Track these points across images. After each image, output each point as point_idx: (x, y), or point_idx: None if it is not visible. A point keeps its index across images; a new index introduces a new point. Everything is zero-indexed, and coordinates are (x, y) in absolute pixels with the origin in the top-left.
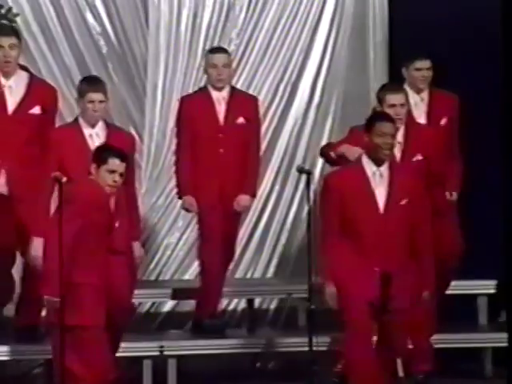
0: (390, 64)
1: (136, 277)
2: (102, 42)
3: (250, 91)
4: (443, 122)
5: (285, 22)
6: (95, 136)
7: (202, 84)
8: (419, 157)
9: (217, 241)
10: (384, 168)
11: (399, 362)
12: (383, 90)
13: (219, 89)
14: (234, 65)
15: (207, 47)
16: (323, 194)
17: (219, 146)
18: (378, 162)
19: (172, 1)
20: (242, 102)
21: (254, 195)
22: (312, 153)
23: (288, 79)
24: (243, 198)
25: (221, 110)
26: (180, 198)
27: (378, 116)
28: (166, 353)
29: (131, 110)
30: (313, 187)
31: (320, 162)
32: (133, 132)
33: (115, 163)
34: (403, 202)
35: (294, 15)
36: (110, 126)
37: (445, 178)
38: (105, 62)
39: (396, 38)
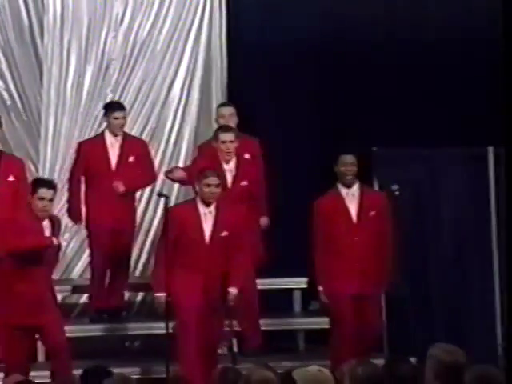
0: None
1: None
2: (6, 97)
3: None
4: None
5: (148, 82)
6: None
7: (87, 128)
8: (245, 182)
9: None
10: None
11: (234, 340)
12: (217, 130)
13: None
14: None
15: (88, 100)
16: None
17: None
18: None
19: (61, 64)
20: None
21: None
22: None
23: (151, 125)
24: None
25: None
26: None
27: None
28: None
29: (28, 148)
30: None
31: (176, 187)
32: (30, 165)
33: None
34: (224, 234)
35: (155, 77)
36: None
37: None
38: (8, 111)
39: (232, 96)
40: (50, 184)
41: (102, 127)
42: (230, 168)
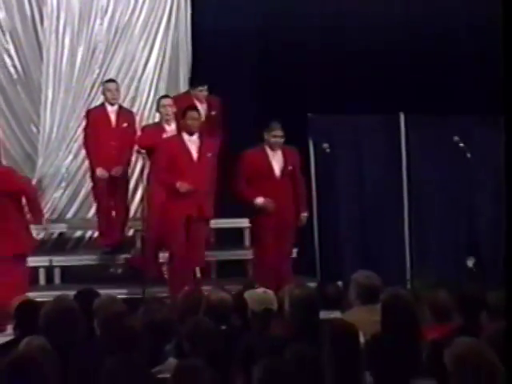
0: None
1: None
2: (13, 72)
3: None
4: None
5: (128, 61)
6: None
7: (78, 96)
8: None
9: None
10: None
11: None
12: (158, 99)
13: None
14: (96, 88)
15: (80, 75)
16: None
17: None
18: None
19: (57, 46)
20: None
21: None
22: None
23: (131, 95)
24: None
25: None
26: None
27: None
28: (53, 263)
29: (31, 113)
30: None
31: None
32: (32, 127)
33: None
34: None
35: (133, 56)
36: None
37: None
38: (15, 83)
39: (195, 72)
40: None
41: (91, 96)
42: (171, 129)
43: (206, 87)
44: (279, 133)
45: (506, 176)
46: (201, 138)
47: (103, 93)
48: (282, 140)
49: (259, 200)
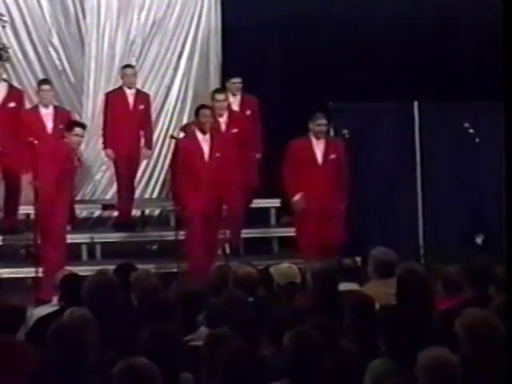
0: (222, 83)
1: None
2: (58, 64)
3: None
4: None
5: (163, 53)
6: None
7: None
8: (235, 130)
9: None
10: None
11: (227, 244)
12: (212, 92)
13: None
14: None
15: (119, 66)
16: None
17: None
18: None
19: (98, 39)
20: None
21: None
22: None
23: (165, 84)
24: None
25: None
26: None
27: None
28: (95, 240)
29: (74, 102)
30: None
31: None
32: (75, 114)
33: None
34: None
35: (167, 49)
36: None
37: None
38: (60, 74)
39: (225, 62)
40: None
41: None
42: (224, 120)
43: (239, 80)
44: (323, 121)
45: (506, 169)
46: (212, 137)
47: (121, 77)
48: (326, 128)
49: (296, 198)
